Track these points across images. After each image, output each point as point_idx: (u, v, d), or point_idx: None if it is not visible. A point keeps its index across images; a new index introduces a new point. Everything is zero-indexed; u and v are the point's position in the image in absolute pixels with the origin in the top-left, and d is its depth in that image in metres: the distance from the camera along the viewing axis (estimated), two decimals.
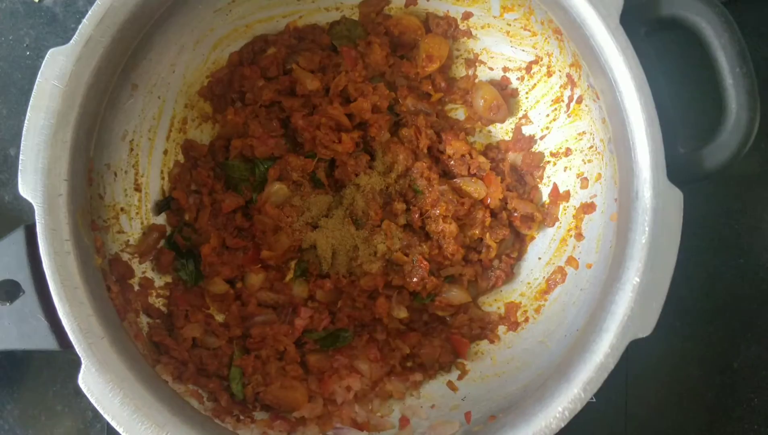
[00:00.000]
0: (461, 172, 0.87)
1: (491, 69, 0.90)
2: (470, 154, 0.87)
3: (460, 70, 0.91)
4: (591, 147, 0.82)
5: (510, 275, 0.88)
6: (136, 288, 0.81)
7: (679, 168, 0.68)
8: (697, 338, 0.91)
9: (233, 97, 0.88)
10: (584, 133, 0.83)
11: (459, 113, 0.92)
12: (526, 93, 0.89)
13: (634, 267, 0.66)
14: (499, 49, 0.89)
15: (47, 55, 0.68)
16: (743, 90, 0.70)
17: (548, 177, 0.88)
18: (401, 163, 0.86)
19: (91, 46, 0.69)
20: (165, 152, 0.86)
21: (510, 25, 0.86)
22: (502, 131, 0.91)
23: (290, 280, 0.88)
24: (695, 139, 0.71)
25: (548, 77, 0.86)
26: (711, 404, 0.91)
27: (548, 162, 0.87)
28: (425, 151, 0.87)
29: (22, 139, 0.67)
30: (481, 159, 0.87)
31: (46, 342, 0.68)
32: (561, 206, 0.86)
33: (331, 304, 0.86)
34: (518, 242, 0.88)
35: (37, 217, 0.67)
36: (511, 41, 0.87)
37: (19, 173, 0.67)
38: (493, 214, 0.87)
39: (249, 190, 0.87)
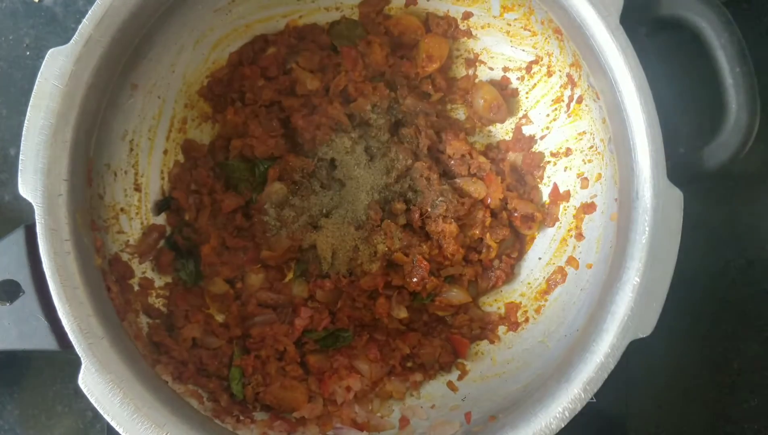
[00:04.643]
0: (461, 172, 0.87)
1: (491, 69, 0.90)
2: (470, 154, 0.87)
3: (460, 70, 0.91)
4: (591, 147, 0.82)
5: (510, 275, 0.88)
6: (136, 288, 0.81)
7: (679, 168, 0.68)
8: (697, 338, 0.91)
9: (233, 97, 0.88)
10: (584, 133, 0.83)
11: (459, 113, 0.92)
12: (526, 93, 0.89)
13: (634, 267, 0.66)
14: (499, 49, 0.89)
15: (47, 55, 0.68)
16: (743, 90, 0.70)
17: (548, 177, 0.88)
18: (401, 163, 0.86)
19: (91, 46, 0.69)
20: (165, 152, 0.86)
21: (510, 24, 0.86)
22: (502, 131, 0.91)
23: (290, 280, 0.88)
24: (695, 139, 0.71)
25: (548, 77, 0.86)
26: (711, 404, 0.91)
27: (548, 162, 0.87)
28: (425, 151, 0.87)
29: (22, 139, 0.67)
30: (481, 159, 0.87)
31: (46, 342, 0.68)
32: (561, 206, 0.86)
33: (331, 304, 0.86)
34: (518, 242, 0.88)
35: (37, 217, 0.67)
36: (511, 41, 0.87)
37: (19, 173, 0.67)
38: (494, 214, 0.87)
39: (249, 190, 0.87)
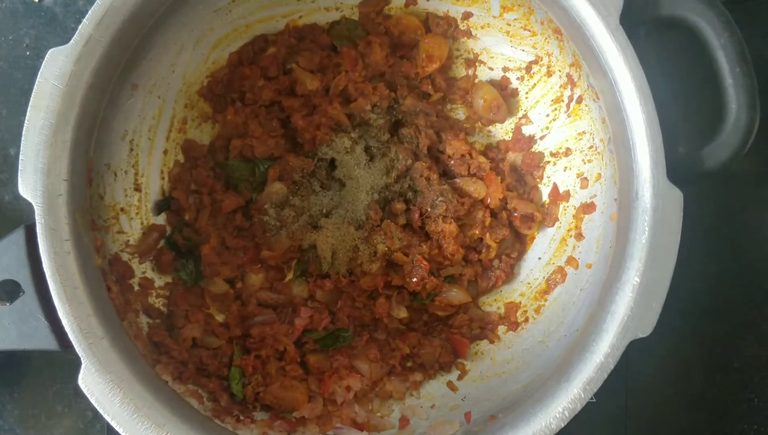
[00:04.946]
0: (461, 172, 0.87)
1: (491, 69, 0.90)
2: (470, 154, 0.87)
3: (460, 70, 0.91)
4: (591, 147, 0.82)
5: (510, 275, 0.88)
6: (136, 288, 0.81)
7: (679, 168, 0.68)
8: (697, 338, 0.91)
9: (233, 97, 0.88)
10: (584, 133, 0.83)
11: (459, 113, 0.92)
12: (526, 93, 0.89)
13: (634, 267, 0.66)
14: (499, 49, 0.89)
15: (47, 55, 0.68)
16: (743, 90, 0.70)
17: (548, 177, 0.88)
18: (401, 163, 0.86)
19: (91, 46, 0.69)
20: (165, 152, 0.86)
21: (510, 25, 0.86)
22: (502, 131, 0.91)
23: (290, 280, 0.88)
24: (695, 139, 0.71)
25: (548, 77, 0.86)
26: (711, 404, 0.91)
27: (548, 162, 0.87)
28: (425, 151, 0.87)
29: (22, 139, 0.67)
30: (481, 159, 0.87)
31: (46, 342, 0.68)
32: (561, 206, 0.86)
33: (331, 304, 0.86)
34: (518, 242, 0.88)
35: (37, 217, 0.67)
36: (511, 41, 0.87)
37: (19, 173, 0.67)
38: (493, 214, 0.87)
39: (249, 190, 0.87)
